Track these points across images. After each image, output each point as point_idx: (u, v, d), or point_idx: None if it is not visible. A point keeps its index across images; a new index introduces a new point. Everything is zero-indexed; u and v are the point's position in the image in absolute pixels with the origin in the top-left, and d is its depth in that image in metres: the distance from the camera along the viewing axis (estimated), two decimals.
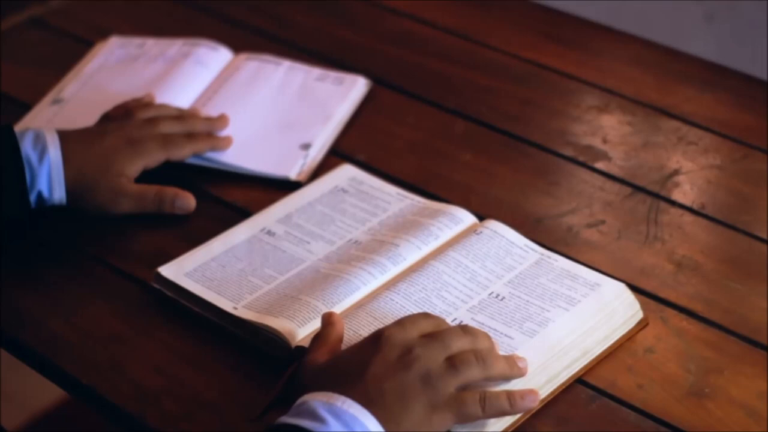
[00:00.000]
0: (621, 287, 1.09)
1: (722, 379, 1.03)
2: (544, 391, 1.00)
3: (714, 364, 1.04)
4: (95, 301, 1.12)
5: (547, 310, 1.06)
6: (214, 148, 1.27)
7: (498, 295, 1.08)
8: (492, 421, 0.96)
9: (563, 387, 1.02)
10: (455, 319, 1.05)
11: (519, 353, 1.01)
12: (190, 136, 1.25)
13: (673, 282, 1.13)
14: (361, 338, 1.00)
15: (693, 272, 1.14)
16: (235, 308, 1.08)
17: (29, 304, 1.12)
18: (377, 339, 0.96)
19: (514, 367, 0.98)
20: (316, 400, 0.91)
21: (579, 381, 1.03)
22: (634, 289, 1.10)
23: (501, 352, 1.00)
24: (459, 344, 0.97)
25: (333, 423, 0.89)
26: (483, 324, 1.04)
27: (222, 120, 1.31)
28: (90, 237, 1.19)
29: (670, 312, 1.10)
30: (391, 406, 0.92)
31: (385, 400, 0.92)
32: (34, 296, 1.13)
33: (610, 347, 1.05)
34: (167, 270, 1.12)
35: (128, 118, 1.25)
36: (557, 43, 1.50)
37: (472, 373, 0.95)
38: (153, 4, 1.59)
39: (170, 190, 1.21)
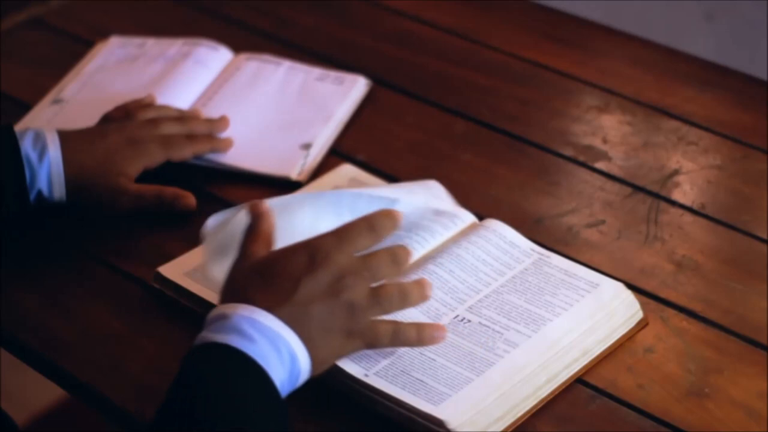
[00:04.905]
0: (621, 287, 1.09)
1: (722, 379, 1.03)
2: (544, 391, 1.00)
3: (714, 364, 1.04)
4: (95, 301, 1.12)
5: (547, 310, 1.06)
6: (214, 150, 1.27)
7: (498, 295, 1.08)
8: (491, 420, 0.96)
9: (563, 387, 1.02)
10: (456, 317, 1.05)
11: (519, 352, 1.01)
12: (191, 138, 1.25)
13: (673, 282, 1.13)
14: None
15: (693, 272, 1.14)
16: None
17: (29, 304, 1.12)
18: (313, 255, 0.96)
19: (424, 295, 0.99)
20: (239, 314, 0.92)
21: (579, 381, 1.03)
22: (634, 289, 1.10)
23: (501, 352, 1.01)
24: (385, 272, 0.98)
25: (261, 341, 0.90)
26: (483, 323, 1.04)
27: (222, 121, 1.30)
28: (90, 237, 1.19)
29: (670, 312, 1.10)
30: (315, 329, 0.94)
31: (311, 324, 0.94)
32: (34, 296, 1.13)
33: (610, 347, 1.05)
34: (167, 270, 1.12)
35: (129, 119, 1.25)
36: (557, 43, 1.50)
37: (392, 306, 0.98)
38: (153, 4, 1.59)
39: (170, 190, 1.21)
